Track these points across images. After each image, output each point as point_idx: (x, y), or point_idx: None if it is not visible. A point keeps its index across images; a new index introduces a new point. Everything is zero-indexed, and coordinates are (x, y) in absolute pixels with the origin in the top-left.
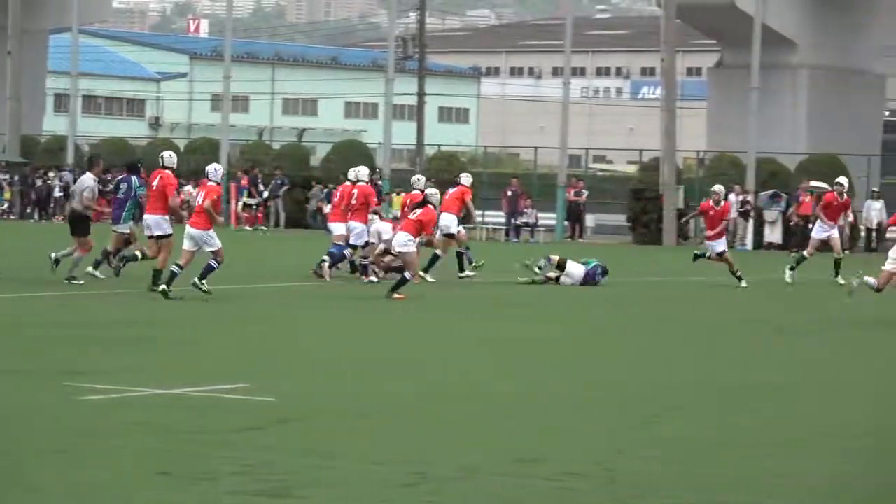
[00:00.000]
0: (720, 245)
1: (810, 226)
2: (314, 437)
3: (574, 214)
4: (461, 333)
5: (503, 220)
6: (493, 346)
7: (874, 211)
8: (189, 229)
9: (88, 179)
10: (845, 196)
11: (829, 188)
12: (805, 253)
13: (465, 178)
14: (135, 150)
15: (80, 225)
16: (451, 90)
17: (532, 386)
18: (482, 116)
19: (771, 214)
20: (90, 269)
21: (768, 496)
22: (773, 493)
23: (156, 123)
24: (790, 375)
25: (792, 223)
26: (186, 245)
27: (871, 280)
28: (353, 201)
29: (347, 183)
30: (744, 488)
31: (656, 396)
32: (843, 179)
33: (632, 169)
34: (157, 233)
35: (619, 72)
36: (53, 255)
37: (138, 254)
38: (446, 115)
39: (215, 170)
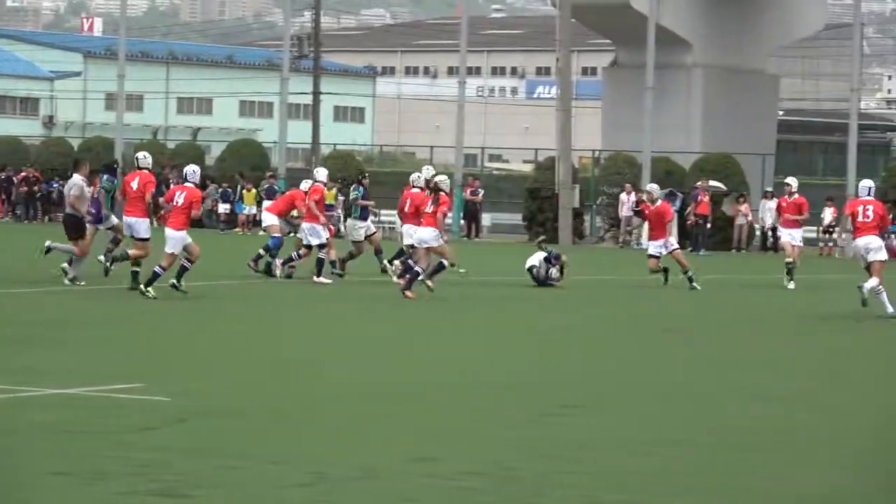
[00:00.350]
0: (654, 247)
1: (709, 225)
2: (211, 436)
3: (470, 213)
4: (366, 334)
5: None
6: (399, 347)
7: (769, 211)
8: (168, 231)
9: (76, 180)
10: (795, 196)
11: (724, 188)
12: (786, 260)
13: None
14: (28, 150)
15: (73, 227)
16: (346, 89)
17: (430, 386)
18: (378, 115)
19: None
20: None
21: (652, 494)
22: (654, 491)
23: (49, 122)
24: (683, 375)
25: (689, 223)
26: (168, 247)
27: (871, 284)
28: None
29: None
30: (632, 486)
31: (554, 395)
32: (790, 180)
33: (527, 168)
34: (142, 235)
35: (514, 71)
36: (48, 242)
37: (129, 252)
38: (342, 114)
39: (193, 171)
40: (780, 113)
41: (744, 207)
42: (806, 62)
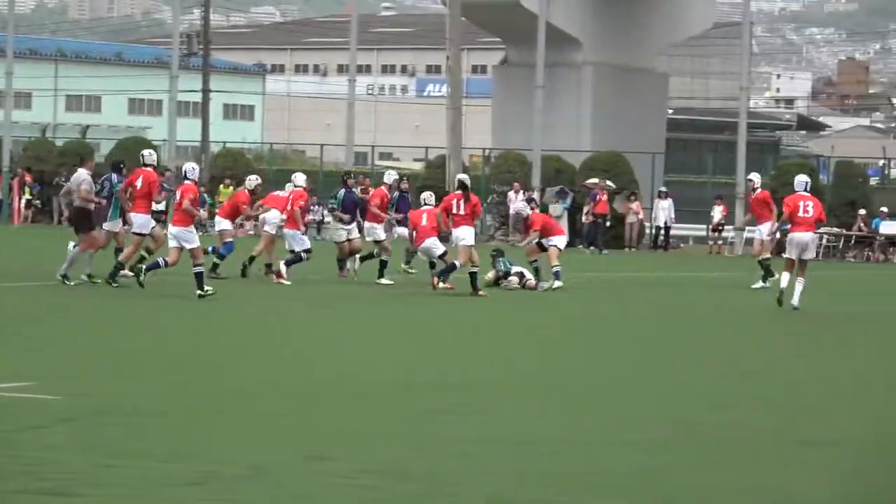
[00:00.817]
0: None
1: (609, 224)
2: (101, 435)
3: (361, 212)
4: (288, 333)
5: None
6: (298, 345)
7: (662, 210)
8: (171, 228)
9: (84, 174)
10: (758, 191)
11: (612, 186)
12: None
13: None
14: None
15: (83, 221)
16: (236, 87)
17: (330, 385)
18: (268, 114)
19: (556, 209)
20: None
21: (557, 493)
22: (555, 490)
23: None
24: (582, 374)
25: (590, 221)
26: (171, 243)
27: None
28: (288, 207)
29: (293, 188)
30: (530, 485)
31: (446, 394)
32: (753, 175)
33: (418, 166)
34: (143, 231)
35: (404, 69)
36: (60, 273)
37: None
38: (231, 112)
39: (193, 168)
40: (670, 111)
41: (635, 206)
42: (695, 61)
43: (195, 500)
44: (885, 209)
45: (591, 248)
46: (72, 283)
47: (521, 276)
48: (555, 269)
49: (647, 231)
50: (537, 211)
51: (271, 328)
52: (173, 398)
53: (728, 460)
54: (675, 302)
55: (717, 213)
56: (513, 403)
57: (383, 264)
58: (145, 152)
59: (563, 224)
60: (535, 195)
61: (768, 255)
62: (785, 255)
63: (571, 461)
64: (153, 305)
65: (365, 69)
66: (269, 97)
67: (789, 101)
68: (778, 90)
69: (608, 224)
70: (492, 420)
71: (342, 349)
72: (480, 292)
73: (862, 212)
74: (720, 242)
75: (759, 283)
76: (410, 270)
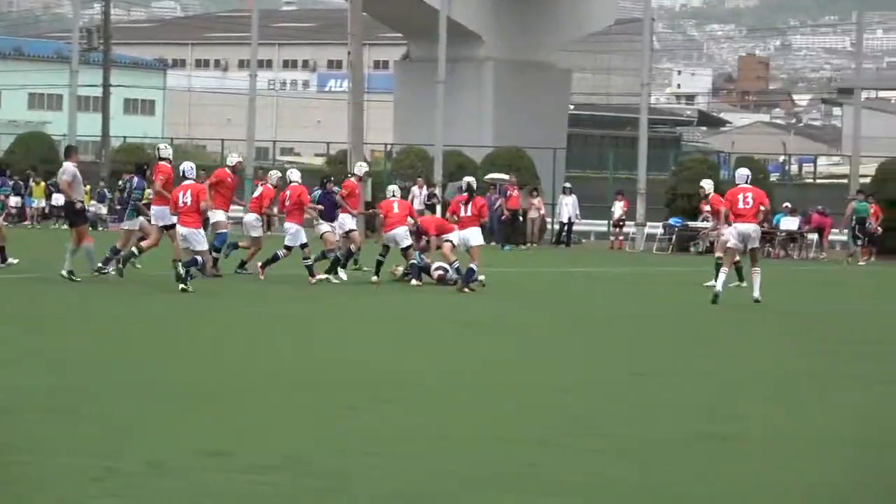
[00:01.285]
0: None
1: (521, 219)
2: (3, 432)
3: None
4: (199, 329)
5: None
6: (226, 343)
7: (566, 206)
8: (180, 228)
9: (70, 167)
10: (710, 196)
11: (508, 179)
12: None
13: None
14: None
15: (77, 215)
16: (136, 82)
17: (234, 382)
18: (168, 108)
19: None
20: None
21: (454, 487)
22: (454, 485)
23: None
24: (495, 371)
25: (504, 217)
26: (182, 243)
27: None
28: (287, 202)
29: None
30: (432, 480)
31: (355, 390)
32: (704, 183)
33: (319, 161)
34: (166, 223)
35: (305, 64)
36: (64, 271)
37: (134, 250)
38: (132, 106)
39: (191, 168)
40: (572, 107)
41: (537, 201)
42: (597, 57)
43: (94, 496)
44: (787, 205)
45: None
46: (110, 271)
47: (444, 270)
48: (456, 266)
49: (549, 227)
50: (438, 207)
51: (203, 325)
52: (68, 394)
53: (624, 456)
54: (603, 300)
55: (618, 208)
56: (426, 399)
57: (337, 260)
58: (161, 146)
59: None
60: (438, 190)
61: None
62: (729, 245)
63: (475, 457)
64: (124, 300)
65: (266, 64)
66: (170, 92)
67: (690, 98)
68: (679, 86)
69: (521, 219)
70: (398, 416)
71: (268, 347)
72: (467, 288)
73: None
74: (621, 238)
75: (715, 282)
76: (363, 269)
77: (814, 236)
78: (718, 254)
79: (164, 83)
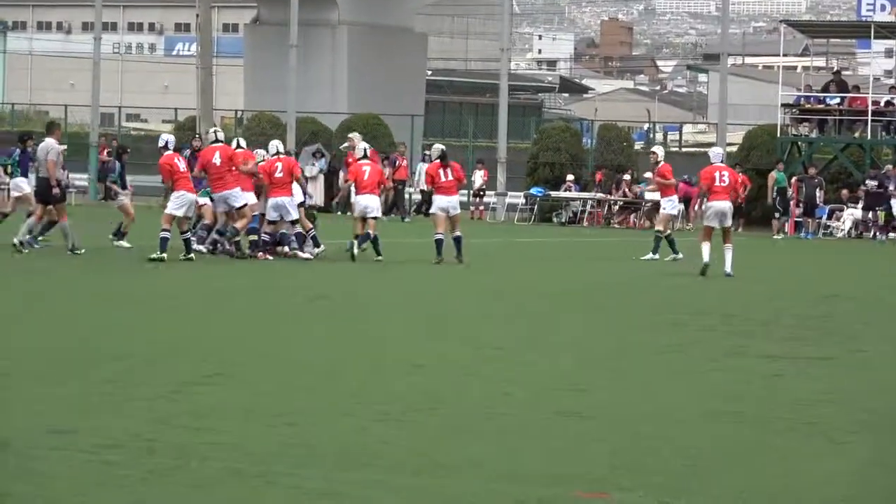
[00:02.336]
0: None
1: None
2: None
3: (105, 176)
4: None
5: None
6: (81, 316)
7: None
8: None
9: (52, 143)
10: (661, 164)
11: (398, 149)
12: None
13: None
14: None
15: (50, 193)
16: None
17: (70, 354)
18: (9, 73)
19: (312, 170)
20: (122, 242)
21: (288, 465)
22: (291, 462)
23: None
24: (347, 345)
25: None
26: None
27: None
28: (279, 174)
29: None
30: (274, 457)
31: (193, 365)
32: (655, 149)
33: (167, 128)
34: (238, 203)
35: (152, 27)
36: (17, 239)
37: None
38: None
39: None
40: (429, 73)
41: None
42: (455, 21)
43: None
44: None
45: (392, 214)
46: (82, 252)
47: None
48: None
49: (408, 196)
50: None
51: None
52: None
53: (486, 432)
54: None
55: (479, 177)
56: (257, 374)
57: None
58: (213, 129)
59: (318, 186)
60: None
61: (668, 231)
62: (705, 223)
63: (317, 432)
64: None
65: (111, 27)
66: (11, 55)
67: (551, 63)
68: (540, 52)
69: (410, 189)
70: (235, 391)
71: (123, 322)
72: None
73: (626, 177)
74: (481, 208)
75: (651, 255)
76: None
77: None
78: (659, 227)
79: (3, 46)
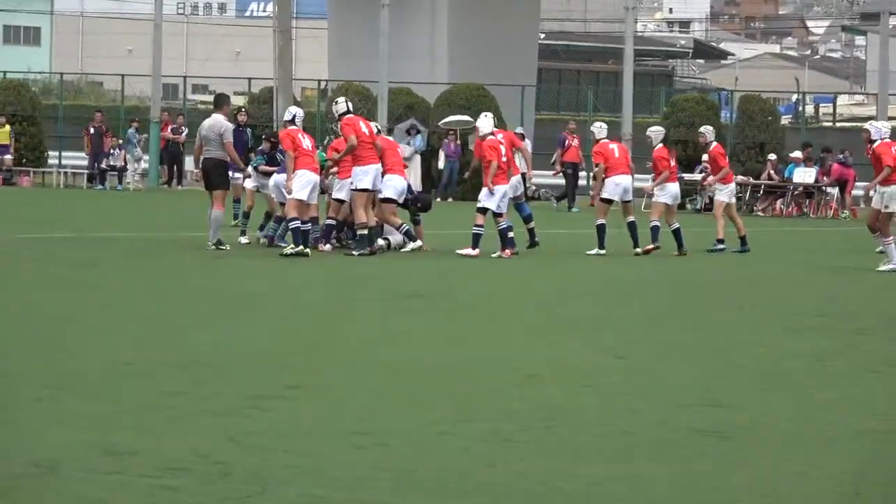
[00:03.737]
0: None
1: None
2: None
3: (171, 157)
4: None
5: (85, 163)
6: (117, 318)
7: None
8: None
9: (222, 120)
10: (713, 145)
11: (471, 121)
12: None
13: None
14: None
15: (224, 177)
16: (17, 5)
17: (117, 364)
18: (57, 37)
19: (405, 150)
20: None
21: (382, 493)
22: (383, 489)
23: None
24: (427, 351)
25: (555, 173)
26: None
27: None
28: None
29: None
30: (359, 483)
31: (270, 375)
32: (704, 129)
33: (240, 101)
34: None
35: None
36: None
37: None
38: (13, 35)
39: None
40: (542, 36)
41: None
42: None
43: None
44: (798, 154)
45: (558, 202)
46: (226, 248)
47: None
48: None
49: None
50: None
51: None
52: None
53: (609, 453)
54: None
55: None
56: (352, 385)
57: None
58: (297, 110)
59: (415, 168)
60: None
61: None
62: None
63: (412, 454)
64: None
65: None
66: (59, 17)
67: (684, 24)
68: (671, 11)
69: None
70: (319, 406)
71: (150, 323)
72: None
73: (772, 157)
74: None
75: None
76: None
77: (834, 190)
78: (654, 216)
79: (51, 6)
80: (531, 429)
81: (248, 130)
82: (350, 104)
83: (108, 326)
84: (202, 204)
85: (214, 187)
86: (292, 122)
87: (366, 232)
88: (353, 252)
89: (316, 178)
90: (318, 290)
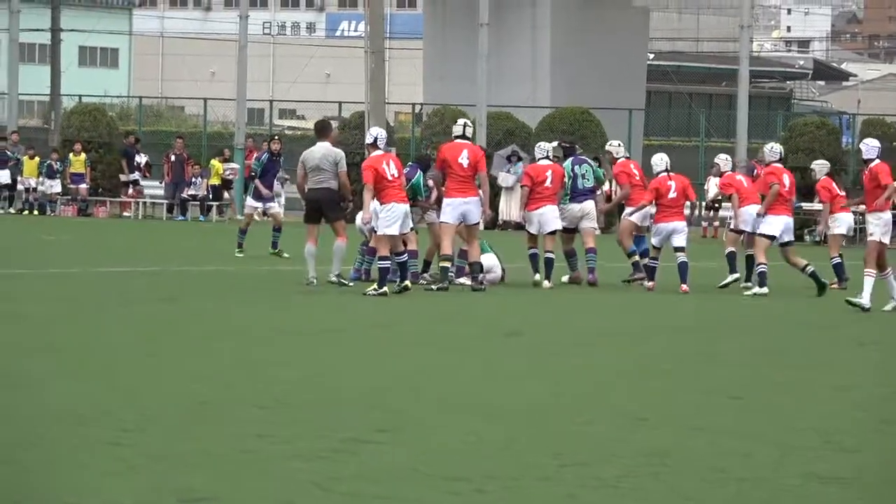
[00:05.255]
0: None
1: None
2: None
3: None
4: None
5: (163, 192)
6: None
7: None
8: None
9: (332, 149)
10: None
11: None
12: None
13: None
14: None
15: (339, 208)
16: (94, 25)
17: (192, 400)
18: (136, 59)
19: (506, 179)
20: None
21: None
22: None
23: None
24: (534, 392)
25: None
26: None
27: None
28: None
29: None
30: None
31: (360, 415)
32: (815, 165)
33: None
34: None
35: (311, 3)
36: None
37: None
38: (90, 57)
39: (383, 136)
40: (651, 56)
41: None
42: None
43: None
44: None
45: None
46: (350, 285)
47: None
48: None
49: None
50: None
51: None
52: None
53: (721, 500)
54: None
55: (713, 185)
56: (447, 427)
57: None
58: (465, 122)
59: (514, 197)
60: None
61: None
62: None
63: (512, 501)
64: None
65: (260, 2)
66: (139, 38)
67: (803, 44)
68: (789, 29)
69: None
70: (420, 449)
71: (217, 356)
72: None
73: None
74: (716, 224)
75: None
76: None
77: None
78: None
79: (129, 27)
80: (636, 475)
81: (281, 159)
82: (466, 129)
83: (185, 363)
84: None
85: (332, 220)
86: (374, 144)
87: (448, 265)
88: (433, 286)
89: (404, 208)
90: (408, 325)
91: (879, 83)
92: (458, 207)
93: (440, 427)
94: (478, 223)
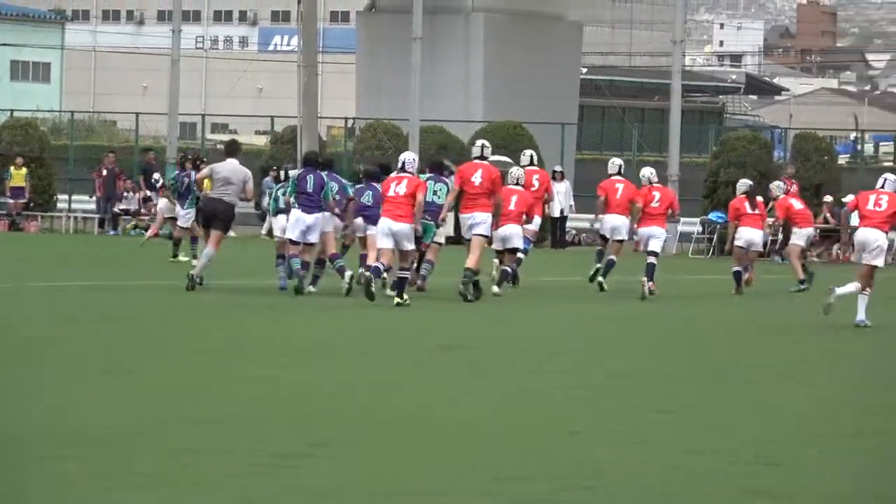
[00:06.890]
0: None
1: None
2: None
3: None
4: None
5: (95, 206)
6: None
7: (557, 195)
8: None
9: (239, 165)
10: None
11: (511, 163)
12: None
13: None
14: None
15: (231, 221)
16: (26, 39)
17: (136, 415)
18: (68, 73)
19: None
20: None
21: None
22: None
23: None
24: (463, 408)
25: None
26: (387, 242)
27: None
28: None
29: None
30: None
31: (294, 431)
32: (773, 186)
33: (262, 141)
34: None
35: (243, 17)
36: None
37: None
38: (21, 71)
39: (413, 160)
40: (584, 71)
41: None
42: (616, 7)
43: None
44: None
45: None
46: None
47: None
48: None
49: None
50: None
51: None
52: None
53: None
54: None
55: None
56: (383, 443)
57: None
58: (482, 143)
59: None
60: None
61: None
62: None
63: None
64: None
65: (193, 16)
66: (71, 52)
67: (736, 58)
68: (721, 44)
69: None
70: (355, 465)
71: (172, 376)
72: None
73: (828, 199)
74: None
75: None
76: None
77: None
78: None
79: (62, 41)
80: (573, 489)
81: (194, 173)
82: (483, 150)
83: (121, 382)
84: (230, 249)
85: (217, 230)
86: (403, 168)
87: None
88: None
89: (389, 224)
90: (352, 340)
91: (811, 97)
92: (466, 221)
93: (377, 443)
94: (480, 235)
